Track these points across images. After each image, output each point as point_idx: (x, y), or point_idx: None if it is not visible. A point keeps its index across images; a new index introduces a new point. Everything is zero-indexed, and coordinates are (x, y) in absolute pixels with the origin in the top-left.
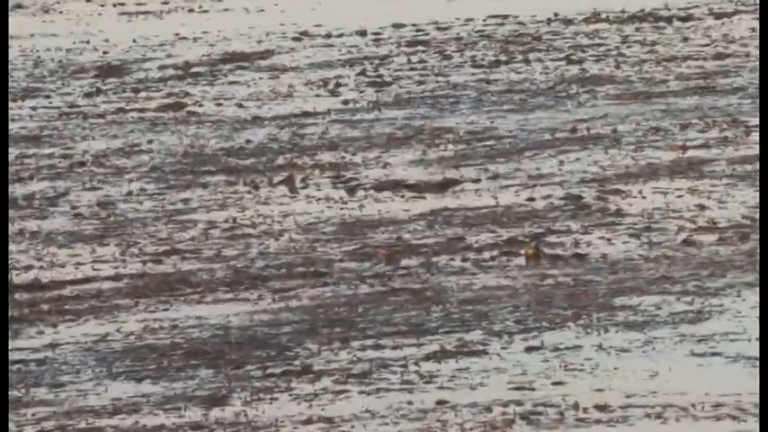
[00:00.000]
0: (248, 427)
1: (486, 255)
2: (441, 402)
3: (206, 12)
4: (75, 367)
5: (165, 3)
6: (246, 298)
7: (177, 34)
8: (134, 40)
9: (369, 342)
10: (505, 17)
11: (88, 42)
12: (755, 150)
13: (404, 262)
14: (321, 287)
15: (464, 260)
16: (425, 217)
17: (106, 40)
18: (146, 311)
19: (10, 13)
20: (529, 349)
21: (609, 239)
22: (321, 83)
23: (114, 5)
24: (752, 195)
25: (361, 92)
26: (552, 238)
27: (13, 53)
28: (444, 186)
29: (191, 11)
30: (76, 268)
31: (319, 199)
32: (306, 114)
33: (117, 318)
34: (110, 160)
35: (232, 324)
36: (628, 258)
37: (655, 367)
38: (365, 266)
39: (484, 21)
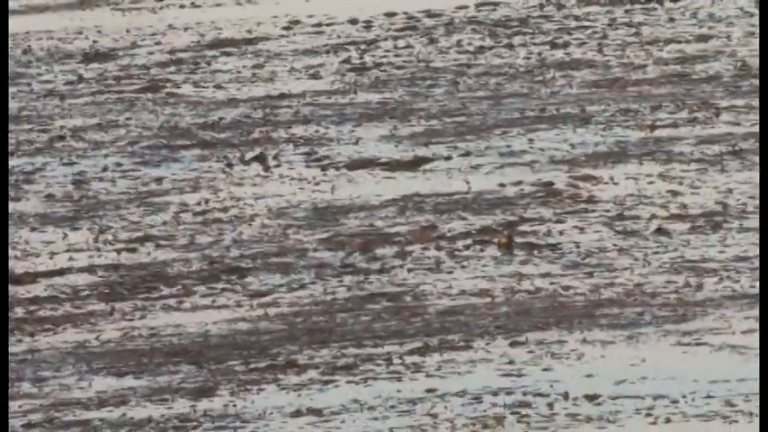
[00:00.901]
0: (237, 420)
1: (460, 244)
2: (430, 391)
3: (199, 6)
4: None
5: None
6: (225, 304)
7: (170, 25)
8: (126, 30)
9: (349, 342)
10: (497, 4)
11: (81, 33)
12: (724, 130)
13: (378, 252)
14: (298, 290)
15: (438, 249)
16: (397, 203)
17: (99, 31)
18: (123, 320)
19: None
20: (514, 344)
21: (581, 228)
22: (304, 68)
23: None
24: (723, 181)
25: (342, 75)
26: (525, 227)
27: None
28: (415, 164)
29: (182, 6)
30: (50, 258)
31: (292, 179)
32: (282, 96)
33: (95, 326)
34: (87, 134)
35: (211, 332)
36: (602, 249)
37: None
38: (340, 256)
39: (477, 6)
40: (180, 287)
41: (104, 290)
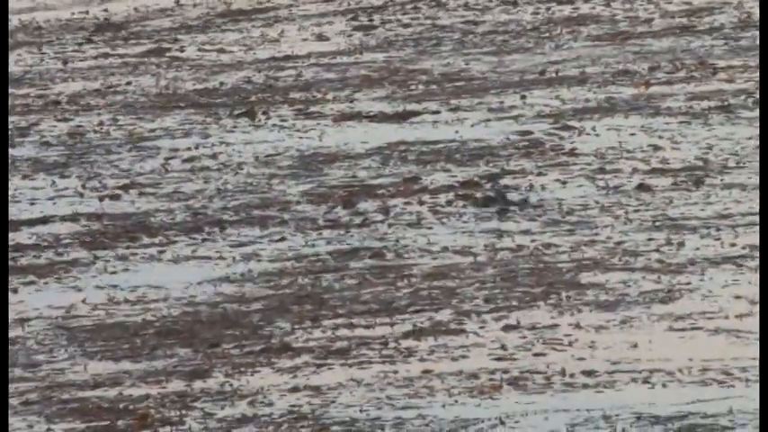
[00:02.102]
0: (235, 395)
1: (442, 199)
2: (426, 372)
3: None
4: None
5: None
6: (207, 256)
7: (178, 2)
8: (135, 9)
9: (341, 321)
10: None
11: (87, 13)
12: (716, 87)
13: (361, 206)
14: (279, 241)
15: (420, 203)
16: (382, 151)
17: (105, 10)
18: (105, 272)
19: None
20: (507, 328)
21: (563, 182)
22: (312, 27)
23: None
24: (703, 136)
25: (349, 36)
26: (507, 180)
27: (12, 24)
28: (403, 117)
29: None
30: (33, 205)
31: (281, 128)
32: (287, 58)
33: (77, 280)
34: (84, 99)
35: (198, 299)
36: (583, 206)
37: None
38: (322, 211)
39: None
40: (162, 238)
41: (87, 239)
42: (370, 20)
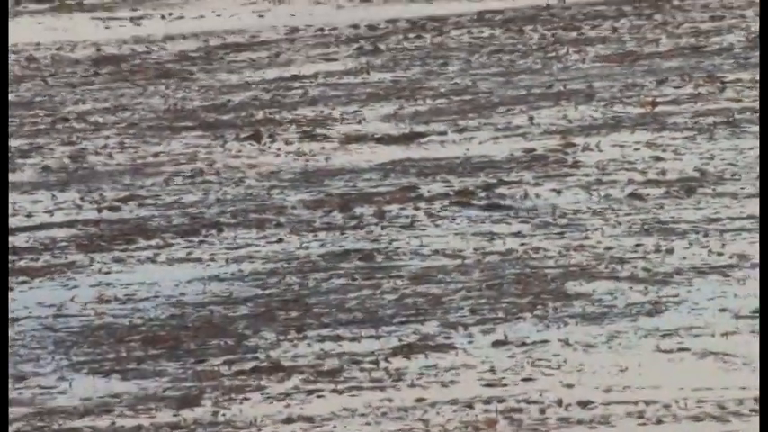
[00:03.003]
0: (228, 427)
1: (438, 204)
2: (420, 400)
3: (182, 18)
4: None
5: (135, 9)
6: (199, 257)
7: (168, 36)
8: (124, 42)
9: (326, 332)
10: (502, 11)
11: (75, 45)
12: (724, 105)
13: (357, 210)
14: (275, 243)
15: (416, 209)
16: (384, 167)
17: (94, 44)
18: (100, 273)
19: None
20: (496, 344)
21: (558, 191)
22: (319, 54)
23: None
24: (707, 148)
25: (356, 58)
26: (503, 189)
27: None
28: (410, 139)
29: (162, 17)
30: (29, 216)
31: (288, 153)
32: (294, 78)
33: (71, 279)
34: (93, 116)
35: (186, 299)
36: (575, 211)
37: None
38: (318, 215)
39: (479, 13)
40: (158, 240)
41: (83, 241)
42: (376, 46)
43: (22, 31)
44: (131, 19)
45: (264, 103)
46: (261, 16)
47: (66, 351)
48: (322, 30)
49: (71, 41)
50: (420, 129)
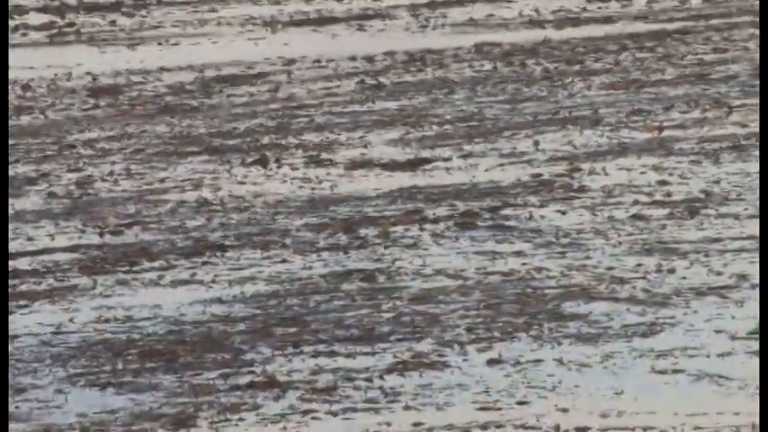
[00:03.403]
0: None
1: (442, 225)
2: (417, 425)
3: (177, 44)
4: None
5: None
6: (201, 280)
7: (162, 68)
8: (118, 72)
9: (322, 348)
10: (499, 44)
11: (70, 74)
12: (730, 130)
13: (361, 231)
14: (279, 263)
15: (421, 230)
16: (391, 194)
17: (88, 73)
18: (101, 296)
19: None
20: (490, 362)
21: (563, 212)
22: (321, 88)
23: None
24: (712, 172)
25: (360, 93)
26: (508, 211)
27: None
28: (415, 165)
29: (159, 44)
30: (31, 241)
31: (293, 179)
32: (299, 107)
33: (72, 303)
34: (99, 143)
35: (186, 318)
36: (578, 231)
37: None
38: (323, 236)
39: (475, 45)
40: (162, 262)
41: (87, 263)
42: (377, 81)
43: (17, 58)
44: (129, 46)
45: (270, 129)
46: (256, 44)
47: (64, 363)
48: (319, 61)
49: (66, 69)
50: (425, 154)
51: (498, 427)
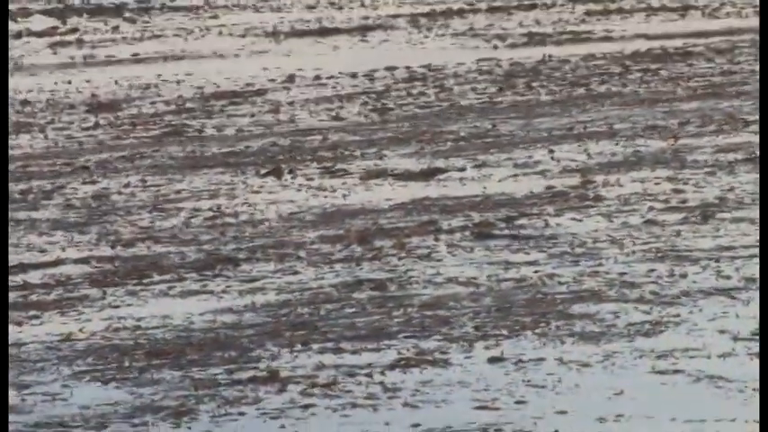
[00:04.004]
0: None
1: (458, 236)
2: (414, 426)
3: (180, 59)
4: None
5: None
6: (212, 290)
7: (159, 75)
8: (116, 82)
9: (329, 345)
10: (498, 60)
11: (70, 83)
12: (746, 138)
13: (376, 243)
14: (291, 275)
15: (436, 240)
16: (405, 206)
17: (88, 80)
18: (110, 307)
19: None
20: (492, 360)
21: (579, 220)
22: (323, 110)
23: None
24: (727, 181)
25: (365, 116)
26: (524, 221)
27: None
28: (429, 175)
29: (165, 59)
30: (44, 253)
31: (309, 188)
32: (309, 130)
33: (82, 314)
34: (113, 164)
35: (195, 325)
36: (595, 239)
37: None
38: (336, 249)
39: (477, 62)
40: (173, 275)
41: (97, 277)
42: (383, 103)
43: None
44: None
45: (284, 148)
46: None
47: (71, 363)
48: (319, 78)
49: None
50: (439, 164)
51: (497, 431)
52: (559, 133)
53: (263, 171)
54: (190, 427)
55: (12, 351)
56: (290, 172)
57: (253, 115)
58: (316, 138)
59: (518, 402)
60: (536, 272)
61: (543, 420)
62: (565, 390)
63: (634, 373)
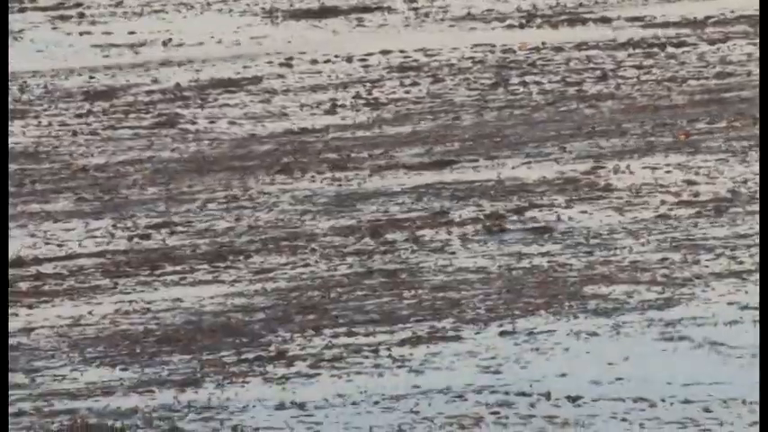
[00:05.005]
0: (222, 411)
1: (469, 228)
2: (414, 387)
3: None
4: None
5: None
6: (224, 279)
7: (162, 62)
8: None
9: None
10: (493, 45)
11: (71, 72)
12: (756, 131)
13: (389, 236)
14: (302, 267)
15: (448, 233)
16: (417, 190)
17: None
18: (122, 293)
19: None
20: (503, 333)
21: (590, 213)
22: (315, 104)
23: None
24: (739, 170)
25: (357, 110)
26: (534, 212)
27: None
28: (442, 165)
29: (165, 43)
30: (60, 246)
31: (324, 179)
32: (304, 131)
33: (92, 300)
34: (112, 168)
35: (206, 309)
36: (610, 231)
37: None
38: (350, 241)
39: (472, 48)
40: (185, 266)
41: (110, 267)
42: (373, 96)
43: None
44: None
45: (287, 152)
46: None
47: (82, 351)
48: (315, 61)
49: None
50: (451, 157)
51: (492, 391)
52: (568, 132)
53: (272, 171)
54: (196, 392)
55: (22, 339)
56: (301, 170)
57: (246, 104)
58: (316, 140)
59: (522, 368)
60: (549, 262)
61: (540, 383)
62: (571, 356)
63: (641, 341)
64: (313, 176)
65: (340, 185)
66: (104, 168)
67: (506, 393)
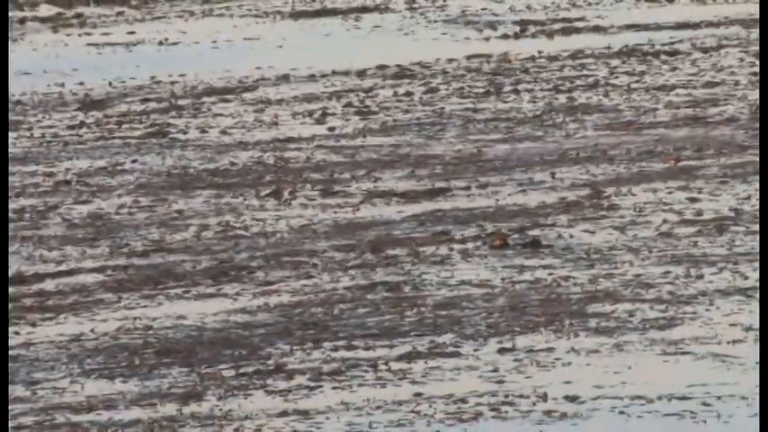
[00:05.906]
0: (224, 420)
1: (470, 245)
2: (417, 395)
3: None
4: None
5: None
6: (226, 293)
7: (153, 77)
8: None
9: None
10: (489, 56)
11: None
12: (751, 158)
13: (389, 252)
14: (305, 279)
15: (450, 249)
16: (418, 217)
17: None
18: (125, 308)
19: None
20: (502, 351)
21: (592, 232)
22: (306, 113)
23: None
24: (743, 189)
25: (347, 119)
26: (536, 231)
27: None
28: (434, 194)
29: (161, 43)
30: (58, 265)
31: (314, 206)
32: (290, 140)
33: (95, 315)
34: (94, 179)
35: (207, 325)
36: (610, 248)
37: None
38: (350, 257)
39: (468, 58)
40: (188, 281)
41: (113, 284)
42: (365, 105)
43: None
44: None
45: (269, 167)
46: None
47: (81, 362)
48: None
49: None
50: (441, 184)
51: (493, 395)
52: (553, 158)
53: (262, 193)
54: (200, 405)
55: (22, 351)
56: (291, 193)
57: (239, 114)
58: (298, 154)
59: (527, 377)
60: (550, 275)
61: (544, 388)
62: (573, 369)
63: (642, 356)
64: (304, 204)
65: (335, 213)
66: (85, 180)
67: (506, 396)
